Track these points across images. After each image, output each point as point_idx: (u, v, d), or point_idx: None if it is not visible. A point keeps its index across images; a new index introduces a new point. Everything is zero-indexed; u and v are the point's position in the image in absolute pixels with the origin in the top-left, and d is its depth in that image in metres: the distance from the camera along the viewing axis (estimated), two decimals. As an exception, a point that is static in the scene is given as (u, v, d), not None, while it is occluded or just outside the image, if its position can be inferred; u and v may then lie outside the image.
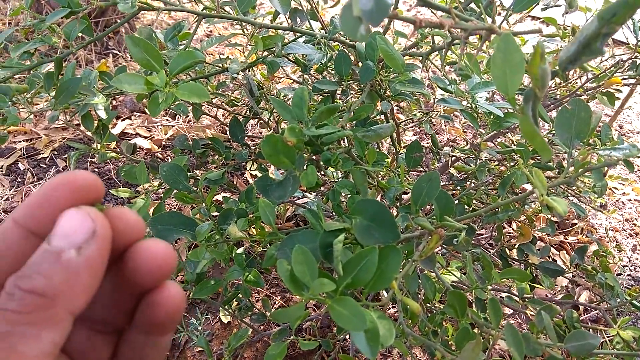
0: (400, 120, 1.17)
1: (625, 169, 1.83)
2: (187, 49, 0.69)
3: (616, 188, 2.03)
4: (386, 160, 0.73)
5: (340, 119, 0.65)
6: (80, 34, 0.69)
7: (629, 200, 1.97)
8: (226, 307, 0.92)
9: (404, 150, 0.82)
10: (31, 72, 0.74)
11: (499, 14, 0.69)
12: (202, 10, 0.64)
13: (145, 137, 1.79)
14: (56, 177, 0.24)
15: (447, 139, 2.02)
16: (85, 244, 0.22)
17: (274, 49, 0.72)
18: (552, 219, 1.37)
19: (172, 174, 0.70)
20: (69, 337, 0.24)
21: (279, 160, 0.50)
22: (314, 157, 0.57)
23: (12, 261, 0.23)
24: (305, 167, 0.53)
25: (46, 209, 0.23)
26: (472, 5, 0.68)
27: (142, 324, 0.27)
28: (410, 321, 0.77)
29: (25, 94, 0.71)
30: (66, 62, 0.74)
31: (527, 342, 0.49)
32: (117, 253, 0.25)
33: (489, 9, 0.52)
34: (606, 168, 0.48)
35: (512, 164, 0.97)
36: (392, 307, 1.24)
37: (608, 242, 1.73)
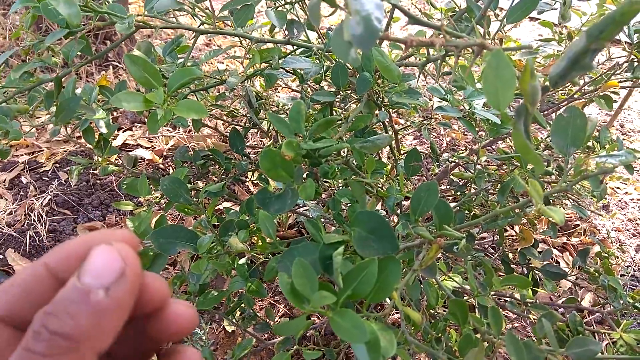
0: (400, 127, 1.18)
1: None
2: (185, 64, 0.70)
3: (618, 188, 2.03)
4: (385, 168, 0.74)
5: (339, 129, 0.65)
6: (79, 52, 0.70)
7: (632, 199, 1.97)
8: (230, 316, 0.93)
9: (403, 157, 0.83)
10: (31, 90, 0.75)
11: (497, 17, 0.70)
12: (199, 26, 0.65)
13: (147, 148, 1.80)
14: (95, 233, 0.24)
15: (447, 143, 2.03)
16: (114, 284, 0.22)
17: (271, 62, 0.73)
18: (554, 221, 1.37)
19: (173, 188, 0.71)
20: None
21: (277, 174, 0.50)
22: (312, 169, 0.58)
23: (36, 302, 0.23)
24: (303, 180, 0.53)
25: (78, 259, 0.23)
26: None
27: None
28: (412, 328, 0.77)
29: (24, 113, 0.72)
30: (66, 77, 0.74)
31: (529, 350, 0.50)
32: (143, 310, 0.25)
33: (481, 21, 0.52)
34: (602, 175, 0.48)
35: (511, 168, 0.98)
36: (396, 314, 1.25)
37: (611, 242, 1.73)
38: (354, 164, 0.66)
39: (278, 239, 0.63)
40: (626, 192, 2.02)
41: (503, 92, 0.32)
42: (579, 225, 1.76)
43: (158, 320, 0.26)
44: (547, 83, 0.32)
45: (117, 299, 0.22)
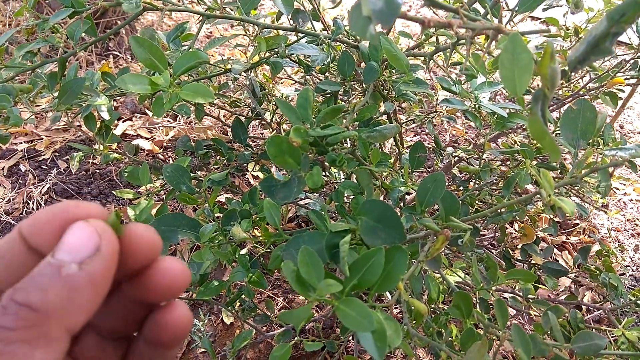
0: (402, 121, 1.17)
1: (626, 169, 1.82)
2: (190, 50, 0.69)
3: (617, 188, 2.03)
4: (389, 160, 0.73)
5: (344, 120, 0.65)
6: (81, 35, 0.69)
7: (631, 200, 1.97)
8: (229, 308, 0.92)
9: (407, 150, 0.82)
10: (33, 72, 0.74)
11: (507, 6, 0.69)
12: (205, 11, 0.64)
13: (147, 139, 1.79)
14: (69, 202, 0.24)
15: (449, 139, 2.02)
16: (88, 259, 0.21)
17: (277, 50, 0.72)
18: (555, 219, 1.36)
19: (175, 175, 0.70)
20: (79, 344, 0.23)
21: (284, 161, 0.49)
22: (318, 157, 0.57)
23: (14, 272, 0.23)
24: (310, 168, 0.53)
25: (49, 227, 0.23)
26: (476, 5, 0.67)
27: (150, 338, 0.27)
28: (414, 322, 0.77)
29: (27, 94, 0.71)
30: (67, 64, 0.73)
31: (534, 343, 0.49)
32: (133, 268, 0.25)
33: (495, 9, 0.51)
34: (612, 168, 0.48)
35: (515, 164, 0.97)
36: (395, 308, 1.24)
37: (610, 242, 1.73)
38: (358, 154, 0.65)
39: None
40: (625, 193, 2.02)
41: (520, 77, 0.31)
42: (578, 224, 1.76)
43: (147, 279, 0.25)
44: (566, 67, 0.32)
45: (91, 274, 0.21)
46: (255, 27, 0.70)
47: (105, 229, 0.23)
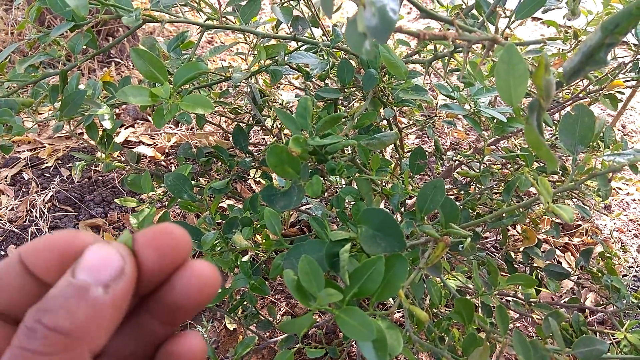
0: (403, 125, 1.17)
1: (628, 169, 1.82)
2: (190, 60, 0.70)
3: (620, 188, 2.02)
4: (390, 166, 0.74)
5: (344, 126, 0.65)
6: (84, 46, 0.70)
7: (633, 200, 1.97)
8: (232, 314, 0.92)
9: (407, 155, 0.82)
10: (36, 84, 0.75)
11: (505, 13, 0.69)
12: (205, 21, 0.65)
13: (149, 145, 1.80)
14: (69, 230, 0.23)
15: (450, 142, 2.02)
16: (113, 282, 0.21)
17: (276, 58, 0.73)
18: (557, 221, 1.36)
19: (177, 184, 0.71)
20: None
21: (284, 171, 0.50)
22: (318, 166, 0.57)
23: (10, 294, 0.22)
24: (310, 177, 0.53)
25: (48, 254, 0.22)
26: (474, 11, 0.68)
27: None
28: (416, 327, 0.77)
29: (29, 107, 0.71)
30: (69, 73, 0.74)
31: (535, 349, 0.49)
32: (167, 270, 0.24)
33: (491, 17, 0.52)
34: (611, 174, 0.48)
35: (516, 167, 0.97)
36: (398, 312, 1.24)
37: (613, 243, 1.72)
38: (358, 161, 0.65)
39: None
40: (628, 193, 2.01)
41: (516, 87, 0.32)
42: (580, 225, 1.75)
43: (179, 282, 0.24)
44: (560, 79, 0.32)
45: (115, 297, 0.21)
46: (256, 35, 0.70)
47: (127, 251, 0.22)
